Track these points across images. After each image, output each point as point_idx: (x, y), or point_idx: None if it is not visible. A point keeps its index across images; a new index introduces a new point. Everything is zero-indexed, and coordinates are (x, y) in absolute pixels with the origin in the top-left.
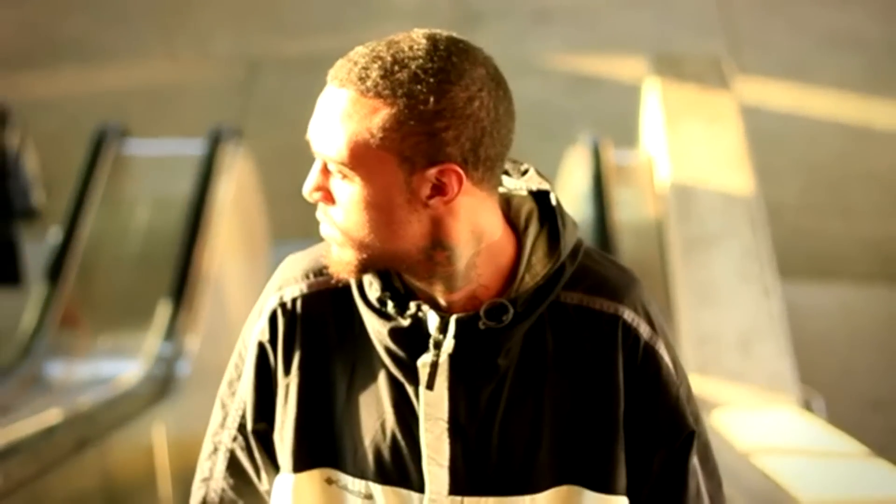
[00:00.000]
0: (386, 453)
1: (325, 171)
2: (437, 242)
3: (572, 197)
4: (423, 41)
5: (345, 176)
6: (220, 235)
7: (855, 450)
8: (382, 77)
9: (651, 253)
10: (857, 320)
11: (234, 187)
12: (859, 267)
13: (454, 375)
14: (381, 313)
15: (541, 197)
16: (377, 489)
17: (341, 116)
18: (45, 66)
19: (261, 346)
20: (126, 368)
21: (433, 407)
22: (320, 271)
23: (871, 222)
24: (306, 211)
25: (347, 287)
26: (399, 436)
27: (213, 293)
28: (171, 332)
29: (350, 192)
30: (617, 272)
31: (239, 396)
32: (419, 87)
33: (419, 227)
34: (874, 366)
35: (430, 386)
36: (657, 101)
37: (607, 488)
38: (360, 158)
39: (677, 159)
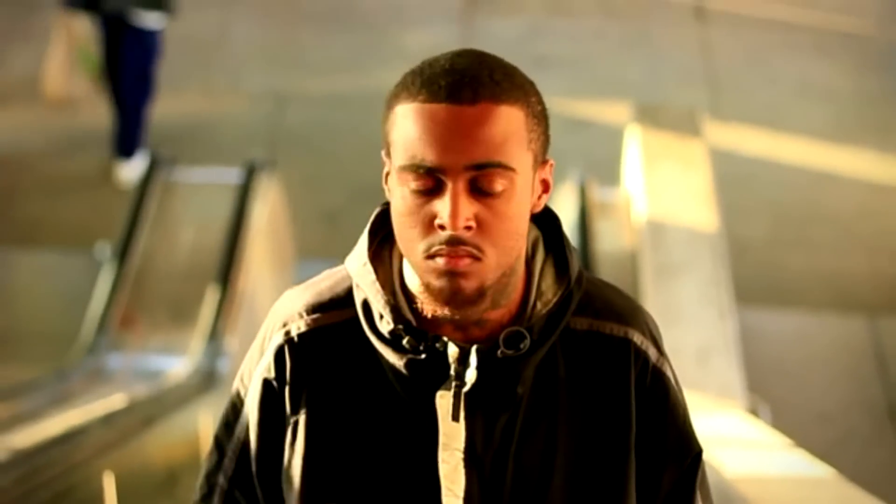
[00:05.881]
0: (400, 485)
1: (466, 196)
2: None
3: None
4: (489, 53)
5: (500, 190)
6: (255, 252)
7: (780, 442)
8: (509, 84)
9: (626, 279)
10: (811, 344)
11: (267, 211)
12: (815, 297)
13: (471, 405)
14: (396, 346)
15: (542, 224)
16: None
17: (492, 128)
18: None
19: (266, 383)
20: (175, 364)
21: (450, 438)
22: (323, 305)
23: (829, 259)
24: (326, 233)
25: (352, 320)
26: (414, 468)
27: (247, 302)
28: (214, 334)
29: (505, 206)
30: (620, 297)
31: (237, 437)
32: (532, 89)
33: (527, 230)
34: (823, 384)
35: (455, 418)
36: (637, 145)
37: None
38: (517, 164)
39: (652, 197)
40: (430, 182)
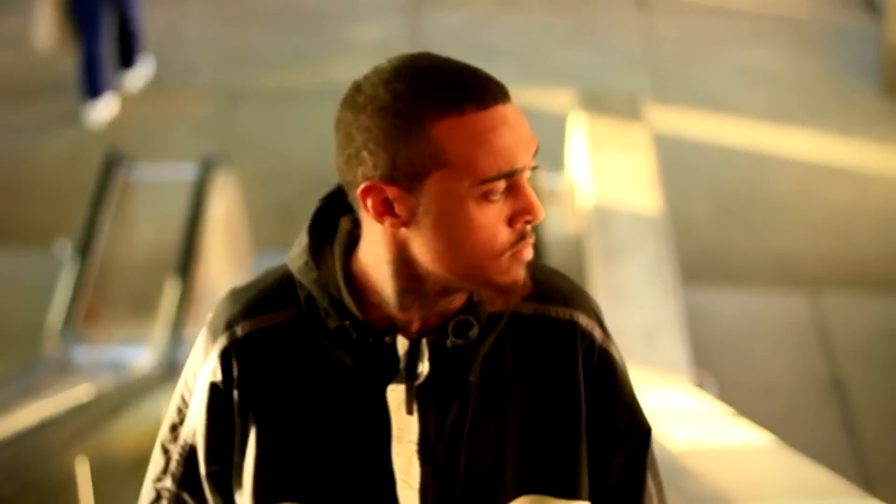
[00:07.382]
0: (354, 481)
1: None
2: None
3: None
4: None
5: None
6: (213, 246)
7: (722, 412)
8: None
9: (573, 262)
10: (756, 320)
11: (223, 205)
12: (759, 275)
13: (422, 397)
14: (344, 342)
15: None
16: None
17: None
18: (52, 94)
19: (213, 387)
20: (139, 355)
21: (404, 430)
22: (266, 305)
23: (771, 237)
24: (280, 226)
25: (296, 319)
26: (367, 463)
27: (207, 293)
28: (176, 325)
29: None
30: (565, 281)
31: (182, 440)
32: None
33: None
34: (768, 359)
35: (409, 411)
36: (582, 131)
37: (571, 494)
38: None
39: (597, 182)
40: (505, 184)
